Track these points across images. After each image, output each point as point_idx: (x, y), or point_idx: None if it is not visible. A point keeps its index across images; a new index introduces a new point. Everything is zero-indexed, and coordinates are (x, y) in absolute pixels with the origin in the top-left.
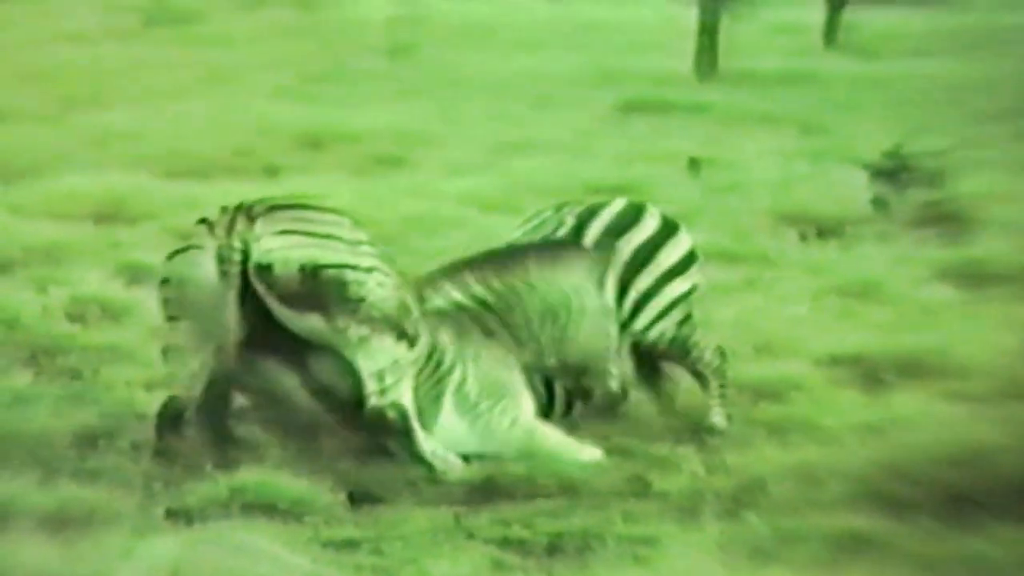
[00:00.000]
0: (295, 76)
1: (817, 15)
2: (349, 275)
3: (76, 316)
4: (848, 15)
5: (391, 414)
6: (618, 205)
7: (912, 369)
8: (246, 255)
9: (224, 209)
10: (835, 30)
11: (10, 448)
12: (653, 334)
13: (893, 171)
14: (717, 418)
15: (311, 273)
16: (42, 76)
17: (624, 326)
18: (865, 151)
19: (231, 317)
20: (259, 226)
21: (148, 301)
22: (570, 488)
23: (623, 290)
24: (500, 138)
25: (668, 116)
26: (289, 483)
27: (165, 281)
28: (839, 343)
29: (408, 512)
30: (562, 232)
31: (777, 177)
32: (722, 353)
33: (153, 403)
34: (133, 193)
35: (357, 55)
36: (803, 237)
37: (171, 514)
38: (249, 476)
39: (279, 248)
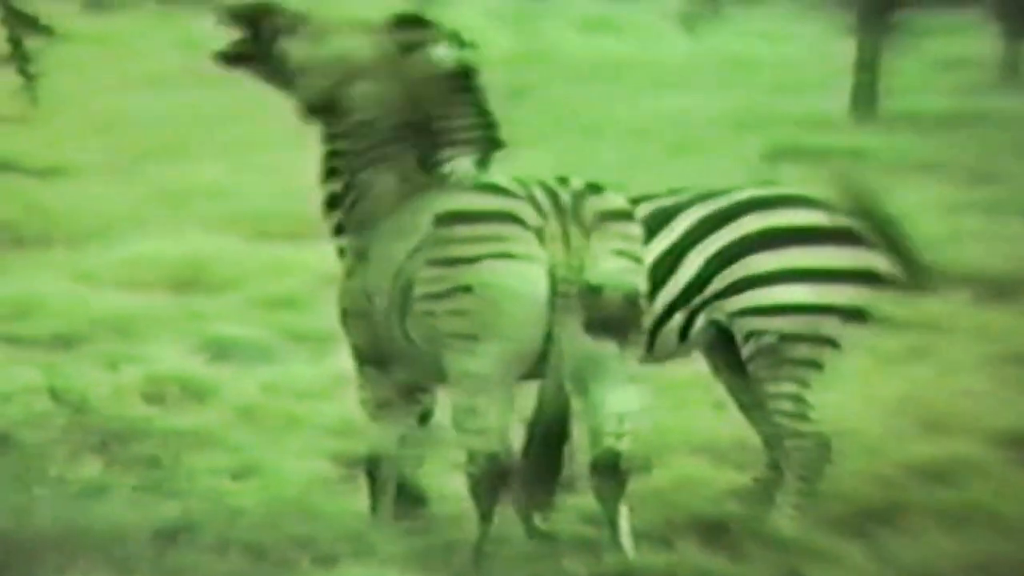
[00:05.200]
0: None
1: (992, 47)
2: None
3: (153, 397)
4: None
5: (624, 465)
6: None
7: None
8: (579, 273)
9: (530, 194)
10: (1013, 63)
11: (79, 545)
12: (742, 321)
13: None
14: (782, 518)
15: (631, 301)
16: (113, 125)
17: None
18: None
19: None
20: (595, 242)
21: (234, 379)
22: None
23: (716, 259)
24: (634, 189)
25: (821, 163)
26: None
27: (466, 289)
28: (1021, 420)
29: None
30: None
31: (945, 231)
32: (825, 445)
33: (241, 494)
34: (216, 258)
35: None
36: (976, 299)
37: None
38: (353, 572)
39: (615, 272)
